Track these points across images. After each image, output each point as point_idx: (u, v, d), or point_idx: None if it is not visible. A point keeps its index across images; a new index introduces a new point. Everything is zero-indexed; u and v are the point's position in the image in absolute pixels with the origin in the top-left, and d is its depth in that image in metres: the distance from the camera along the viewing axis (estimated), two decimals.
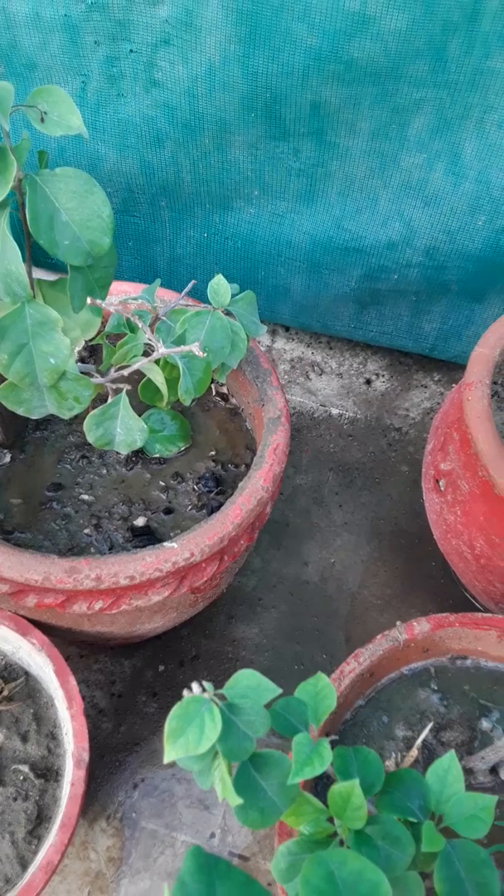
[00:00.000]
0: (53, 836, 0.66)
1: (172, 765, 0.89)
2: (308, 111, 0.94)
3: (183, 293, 0.82)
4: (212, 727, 0.49)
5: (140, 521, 0.82)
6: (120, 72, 0.96)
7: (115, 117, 1.01)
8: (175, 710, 0.49)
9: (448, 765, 0.54)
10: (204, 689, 0.51)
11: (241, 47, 0.89)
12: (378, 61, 0.87)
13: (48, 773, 0.74)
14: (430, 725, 0.71)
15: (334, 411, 1.25)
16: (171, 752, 0.49)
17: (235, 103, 0.94)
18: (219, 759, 0.50)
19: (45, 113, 0.60)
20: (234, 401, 0.95)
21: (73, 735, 0.71)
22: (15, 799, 0.72)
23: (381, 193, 1.03)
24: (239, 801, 0.48)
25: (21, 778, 0.73)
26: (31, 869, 0.66)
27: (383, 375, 1.30)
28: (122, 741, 0.91)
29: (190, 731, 0.49)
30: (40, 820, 0.72)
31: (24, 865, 0.69)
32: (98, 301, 0.68)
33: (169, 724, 0.49)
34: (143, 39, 0.92)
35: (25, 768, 0.74)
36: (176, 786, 0.88)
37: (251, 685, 0.52)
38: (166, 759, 0.49)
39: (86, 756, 0.70)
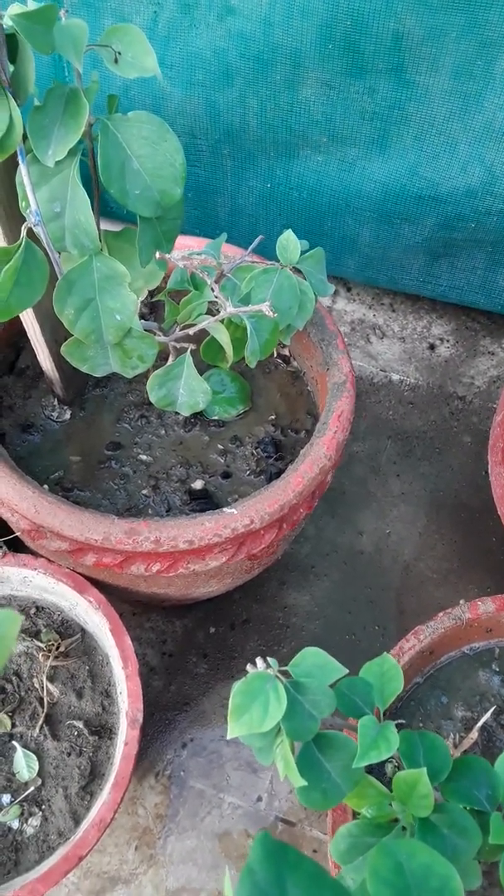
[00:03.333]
0: (106, 794, 0.67)
1: (222, 726, 0.90)
2: (389, 43, 0.88)
3: (249, 249, 0.78)
4: (276, 705, 0.47)
5: (198, 484, 0.80)
6: None
7: (184, 50, 0.96)
8: (239, 686, 0.48)
9: None
10: (268, 665, 0.50)
11: None
12: None
13: (102, 730, 0.75)
14: (493, 709, 0.69)
15: (395, 377, 1.21)
16: (234, 729, 0.47)
17: (313, 32, 0.88)
18: (282, 737, 0.49)
19: (120, 53, 0.56)
20: (296, 363, 0.91)
21: (127, 695, 0.71)
22: (69, 754, 0.73)
23: (460, 138, 0.97)
24: (302, 781, 0.47)
25: (76, 734, 0.74)
26: (84, 825, 0.67)
27: (448, 340, 1.24)
28: (172, 700, 0.91)
29: (254, 709, 0.47)
30: (93, 776, 0.72)
31: (77, 820, 0.70)
32: (165, 255, 0.65)
33: (233, 699, 0.48)
34: None
35: (80, 724, 0.74)
36: (224, 747, 0.88)
37: (317, 664, 0.51)
38: (229, 735, 0.48)
39: (140, 716, 0.70)
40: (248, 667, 0.49)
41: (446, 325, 1.26)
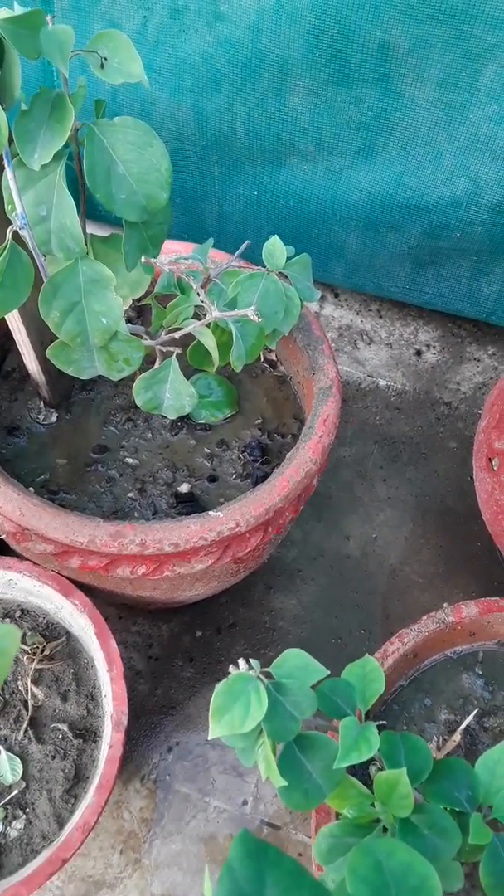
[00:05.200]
0: (91, 797, 0.67)
1: (207, 730, 0.90)
2: (375, 53, 0.89)
3: (236, 254, 0.79)
4: (258, 706, 0.48)
5: (184, 488, 0.80)
6: (185, 4, 0.91)
7: (173, 56, 0.97)
8: (221, 687, 0.48)
9: (499, 756, 0.53)
10: (251, 667, 0.50)
11: None
12: None
13: (86, 733, 0.75)
14: (475, 711, 0.69)
15: (382, 382, 1.22)
16: (215, 730, 0.48)
17: (300, 40, 0.89)
18: (263, 738, 0.49)
19: (106, 59, 0.57)
20: (282, 368, 0.92)
21: (112, 698, 0.71)
22: (53, 757, 0.73)
23: (445, 148, 0.98)
24: (283, 782, 0.47)
25: (60, 737, 0.74)
26: (68, 828, 0.67)
27: (434, 347, 1.25)
28: (157, 704, 0.91)
29: (235, 709, 0.48)
30: (77, 779, 0.72)
31: (61, 823, 0.70)
32: (151, 259, 0.65)
33: (214, 700, 0.48)
34: None
35: (64, 727, 0.74)
36: (210, 751, 0.88)
37: (299, 665, 0.51)
38: (211, 736, 0.48)
39: (124, 719, 0.70)
40: (231, 668, 0.50)
41: (433, 331, 1.27)
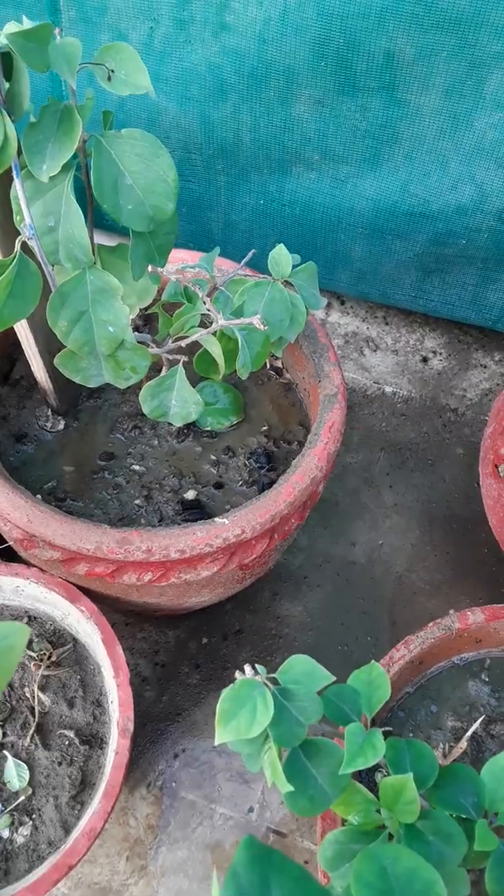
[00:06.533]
0: (97, 804, 0.67)
1: (214, 737, 0.90)
2: (381, 62, 0.90)
3: (242, 263, 0.80)
4: (264, 712, 0.48)
5: (190, 495, 0.81)
6: (190, 15, 0.93)
7: (179, 66, 0.98)
8: (227, 693, 0.49)
9: None
10: (256, 672, 0.50)
11: None
12: (460, 4, 0.82)
13: (93, 739, 0.75)
14: (481, 718, 0.69)
15: (388, 389, 1.22)
16: (221, 735, 0.48)
17: (306, 49, 0.90)
18: (269, 744, 0.49)
19: (113, 71, 0.58)
20: (288, 375, 0.92)
21: (118, 704, 0.72)
22: (60, 763, 0.73)
23: (451, 156, 0.98)
24: (289, 787, 0.47)
25: (66, 743, 0.74)
26: (75, 834, 0.67)
27: (441, 353, 1.26)
28: (164, 710, 0.91)
29: (242, 715, 0.48)
30: (84, 786, 0.72)
31: (67, 830, 0.70)
32: (158, 269, 0.66)
33: (221, 705, 0.48)
34: None
35: (71, 734, 0.74)
36: (216, 758, 0.88)
37: (305, 671, 0.51)
38: (217, 742, 0.48)
39: (131, 725, 0.71)
40: (237, 674, 0.50)
41: (439, 338, 1.27)
